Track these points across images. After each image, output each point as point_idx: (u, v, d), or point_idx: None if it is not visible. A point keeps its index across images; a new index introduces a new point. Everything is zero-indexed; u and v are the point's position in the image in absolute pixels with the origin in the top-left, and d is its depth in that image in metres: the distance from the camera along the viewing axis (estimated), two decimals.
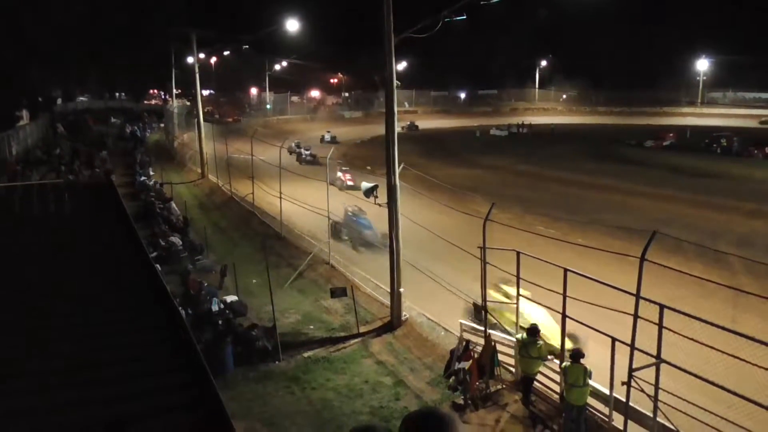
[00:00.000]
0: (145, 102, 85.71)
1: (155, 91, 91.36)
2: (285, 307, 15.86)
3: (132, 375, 5.87)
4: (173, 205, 26.07)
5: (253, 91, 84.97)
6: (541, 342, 10.61)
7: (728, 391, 8.11)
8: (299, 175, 23.53)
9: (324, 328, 14.93)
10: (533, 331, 10.63)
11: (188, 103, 53.48)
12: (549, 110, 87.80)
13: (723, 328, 8.03)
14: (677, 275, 9.80)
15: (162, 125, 58.04)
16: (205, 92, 63.02)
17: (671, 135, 55.19)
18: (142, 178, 32.02)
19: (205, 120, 37.70)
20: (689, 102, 78.20)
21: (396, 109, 14.54)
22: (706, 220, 24.65)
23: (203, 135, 35.69)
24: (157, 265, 11.73)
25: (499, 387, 11.44)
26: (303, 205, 22.10)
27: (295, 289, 17.44)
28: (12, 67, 35.20)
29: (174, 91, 56.10)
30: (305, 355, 13.46)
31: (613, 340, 9.24)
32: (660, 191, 31.18)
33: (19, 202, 13.15)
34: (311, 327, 15.03)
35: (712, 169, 39.48)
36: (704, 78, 78.52)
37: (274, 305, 14.03)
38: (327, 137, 51.66)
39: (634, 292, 8.97)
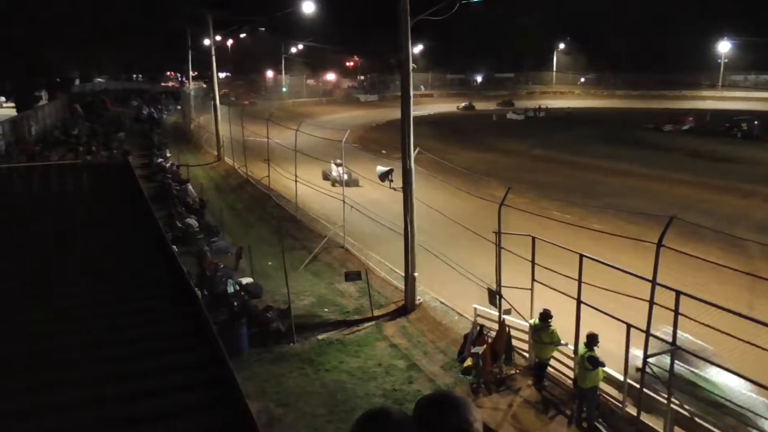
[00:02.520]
0: (162, 84, 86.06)
1: (172, 73, 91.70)
2: (300, 290, 15.96)
3: (144, 353, 5.94)
4: (189, 186, 26.27)
5: (269, 73, 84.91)
6: (552, 327, 10.58)
7: (745, 378, 8.06)
8: (314, 158, 23.51)
9: (338, 311, 15.02)
10: (545, 316, 10.61)
11: (204, 86, 53.55)
12: (566, 93, 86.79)
13: (739, 315, 7.95)
14: (694, 261, 9.68)
15: (179, 107, 58.28)
16: (222, 75, 63.12)
17: (690, 119, 54.32)
18: (159, 159, 32.24)
19: (221, 102, 37.77)
20: (709, 85, 76.80)
21: (412, 92, 14.45)
22: (724, 205, 24.31)
23: (219, 117, 35.79)
24: (174, 246, 11.87)
25: (513, 372, 11.46)
26: (318, 188, 22.14)
27: (310, 272, 17.55)
28: (29, 47, 35.42)
29: (190, 73, 56.21)
30: (319, 337, 13.57)
31: (628, 326, 9.20)
32: (678, 176, 30.77)
33: (38, 181, 13.31)
34: (325, 310, 15.13)
35: (731, 153, 38.84)
36: (725, 60, 77.08)
37: (289, 287, 14.13)
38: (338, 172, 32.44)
39: (650, 277, 8.90)
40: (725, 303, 8.22)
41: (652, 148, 41.85)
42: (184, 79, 78.54)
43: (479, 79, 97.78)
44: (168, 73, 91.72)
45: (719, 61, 77.24)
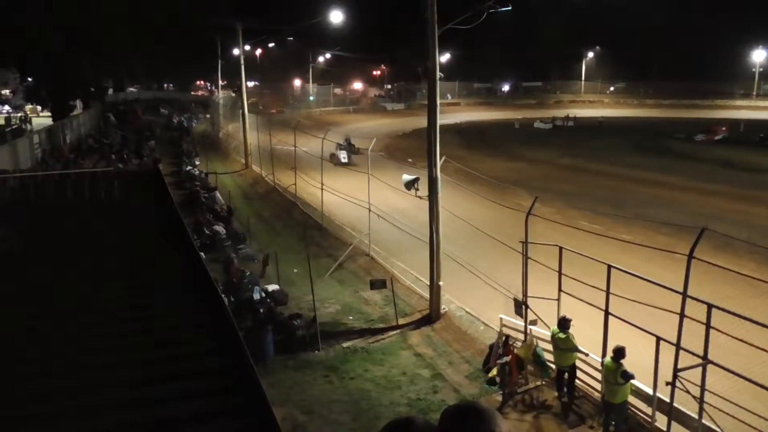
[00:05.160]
0: (192, 93, 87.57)
1: (202, 82, 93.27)
2: (325, 297, 16.03)
3: (172, 357, 6.03)
4: (218, 194, 26.62)
5: (297, 82, 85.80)
6: (568, 333, 10.41)
7: None
8: (341, 166, 23.66)
9: (363, 319, 15.03)
10: (563, 322, 10.47)
11: (233, 94, 54.35)
12: (595, 102, 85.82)
13: None
14: (726, 273, 9.47)
15: (208, 116, 59.18)
16: (250, 84, 63.95)
17: (723, 128, 53.21)
18: (188, 167, 32.75)
19: (249, 111, 38.26)
20: (743, 94, 75.23)
21: (438, 101, 14.46)
22: (758, 216, 23.70)
23: (247, 126, 36.26)
24: (201, 253, 12.03)
25: (539, 383, 11.31)
26: (343, 196, 22.23)
27: (335, 280, 17.61)
28: (64, 56, 36.35)
29: (220, 82, 57.08)
30: (344, 345, 13.59)
31: (658, 339, 9.02)
32: (710, 186, 30.14)
33: (71, 188, 13.63)
34: (350, 318, 15.15)
35: (765, 164, 37.95)
36: (761, 69, 75.41)
37: (315, 295, 14.19)
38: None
39: (681, 290, 8.72)
40: (759, 317, 8.00)
41: (684, 157, 41.11)
42: (213, 88, 79.81)
43: (506, 88, 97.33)
44: (198, 82, 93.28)
45: (753, 69, 75.60)
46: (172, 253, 9.47)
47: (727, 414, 8.39)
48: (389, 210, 19.87)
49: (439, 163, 14.45)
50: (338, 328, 14.50)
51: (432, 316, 14.62)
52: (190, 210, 22.93)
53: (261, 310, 14.30)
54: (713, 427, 8.65)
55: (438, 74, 14.24)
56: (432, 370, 12.34)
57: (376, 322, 14.80)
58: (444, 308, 14.72)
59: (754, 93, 74.87)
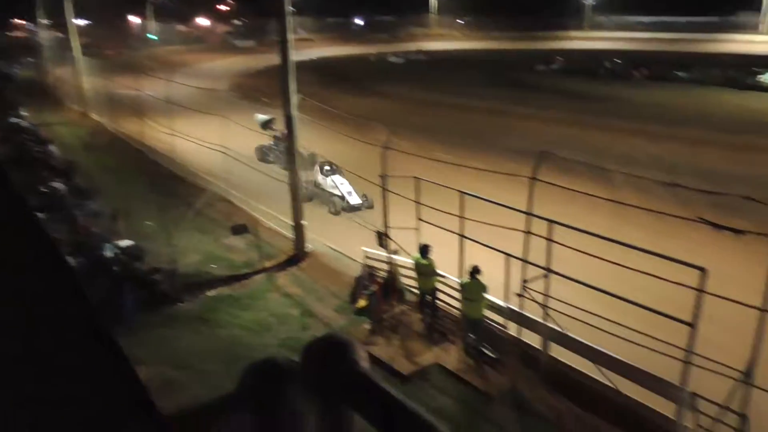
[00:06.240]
0: (8, 34, 77.20)
1: (18, 20, 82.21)
2: (184, 248, 15.37)
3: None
4: (53, 147, 24.11)
5: (135, 20, 78.58)
6: (428, 259, 10.95)
7: (608, 293, 8.83)
8: (193, 110, 22.32)
9: (227, 266, 14.68)
10: (424, 249, 10.97)
11: (62, 35, 48.69)
12: (446, 36, 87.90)
13: (605, 238, 8.63)
14: (570, 193, 10.36)
15: (33, 60, 52.72)
16: (80, 22, 57.52)
17: (560, 59, 57.20)
18: (13, 119, 29.19)
19: (83, 54, 34.58)
20: (576, 26, 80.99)
21: (290, 36, 13.96)
22: (593, 140, 26.11)
23: (81, 69, 32.84)
24: (39, 213, 10.92)
25: (404, 308, 11.85)
26: (197, 141, 21.13)
27: (194, 229, 16.89)
28: None
29: (42, 20, 50.68)
30: (210, 294, 13.24)
31: (507, 255, 9.75)
32: (551, 114, 32.52)
33: None
34: (214, 266, 14.72)
35: (597, 91, 41.61)
36: (592, 2, 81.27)
37: (173, 247, 13.57)
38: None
39: (527, 210, 9.43)
40: (596, 230, 8.85)
41: (527, 88, 43.79)
42: (35, 27, 70.86)
43: (360, 22, 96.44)
44: (14, 20, 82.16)
45: (584, 2, 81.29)
46: None
47: (568, 316, 9.38)
48: (248, 152, 19.24)
49: (295, 102, 14.12)
50: (202, 278, 14.04)
51: (298, 255, 14.63)
52: (21, 167, 20.59)
53: (115, 269, 13.42)
54: (556, 327, 9.66)
55: (289, 8, 13.70)
56: (301, 308, 12.45)
57: (241, 268, 14.52)
58: (309, 247, 14.77)
59: (585, 24, 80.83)
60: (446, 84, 44.88)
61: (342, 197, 17.64)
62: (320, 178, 18.26)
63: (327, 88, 40.47)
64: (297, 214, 14.54)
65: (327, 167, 18.35)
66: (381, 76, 51.13)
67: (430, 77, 49.44)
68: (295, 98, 14.10)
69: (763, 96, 39.31)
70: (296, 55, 14.99)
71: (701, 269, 7.30)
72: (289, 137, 14.28)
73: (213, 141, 19.32)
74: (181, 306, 12.73)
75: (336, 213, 17.37)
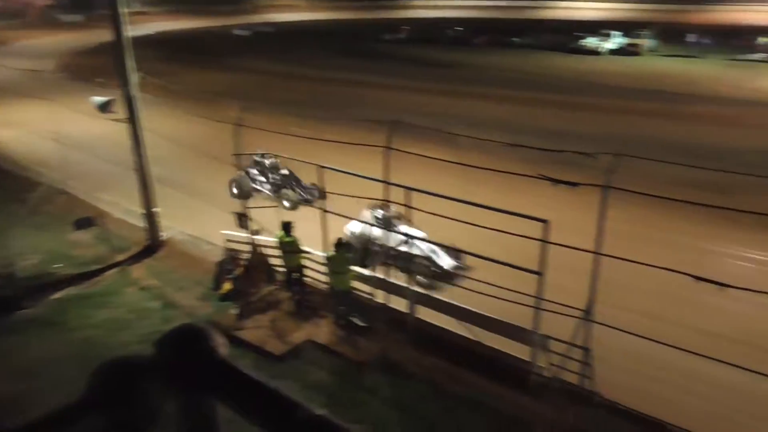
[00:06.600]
0: None
1: None
2: (22, 249, 13.87)
3: None
4: None
5: None
6: (292, 236, 10.86)
7: (464, 252, 9.37)
8: (16, 94, 19.98)
9: (74, 264, 13.46)
10: (286, 226, 10.86)
11: None
12: (292, 6, 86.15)
13: (456, 200, 9.05)
14: (426, 160, 10.73)
15: None
16: None
17: (405, 28, 58.55)
18: None
19: None
20: None
21: (123, 10, 12.87)
22: (442, 105, 27.22)
23: None
24: None
25: (272, 288, 11.69)
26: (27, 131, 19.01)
27: (32, 227, 15.30)
28: None
29: None
30: (56, 296, 12.11)
31: (371, 225, 9.94)
32: (401, 83, 33.37)
33: None
34: (59, 265, 13.46)
35: (443, 58, 43.33)
36: None
37: (7, 249, 12.20)
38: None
39: (384, 179, 9.64)
40: (452, 193, 9.24)
41: (377, 57, 44.45)
42: None
43: None
44: None
45: None
46: None
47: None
48: (87, 139, 17.67)
49: (135, 81, 13.12)
50: (46, 280, 12.79)
51: (153, 245, 13.81)
52: None
53: None
54: (419, 290, 10.09)
55: None
56: (162, 300, 11.80)
57: (90, 264, 13.39)
58: (164, 235, 14.00)
59: None
60: (296, 56, 44.28)
61: (427, 258, 11.72)
62: (377, 231, 11.55)
63: (171, 64, 38.18)
64: (148, 202, 13.67)
65: (381, 211, 11.95)
66: (228, 50, 49.10)
67: (280, 49, 48.44)
68: (134, 77, 13.11)
69: (587, 58, 43.33)
70: (132, 30, 13.90)
71: (544, 221, 7.96)
72: (131, 120, 13.27)
73: (44, 128, 17.51)
74: (26, 312, 11.53)
75: (429, 286, 11.39)
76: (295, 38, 56.83)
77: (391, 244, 10.88)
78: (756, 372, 6.94)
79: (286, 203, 14.82)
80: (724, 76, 35.59)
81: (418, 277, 11.29)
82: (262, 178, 15.76)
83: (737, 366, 7.02)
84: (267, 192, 15.47)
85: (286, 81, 34.77)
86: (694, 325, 10.12)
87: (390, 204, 10.72)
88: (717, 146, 20.90)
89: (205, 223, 13.90)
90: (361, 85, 32.90)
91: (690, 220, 13.46)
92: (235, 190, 13.24)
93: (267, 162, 15.72)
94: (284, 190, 15.23)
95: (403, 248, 10.65)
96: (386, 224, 11.32)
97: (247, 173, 14.85)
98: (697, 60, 41.35)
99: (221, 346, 2.33)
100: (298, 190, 14.87)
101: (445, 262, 11.63)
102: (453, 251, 11.21)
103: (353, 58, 43.85)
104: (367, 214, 12.05)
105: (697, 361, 7.38)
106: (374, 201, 11.52)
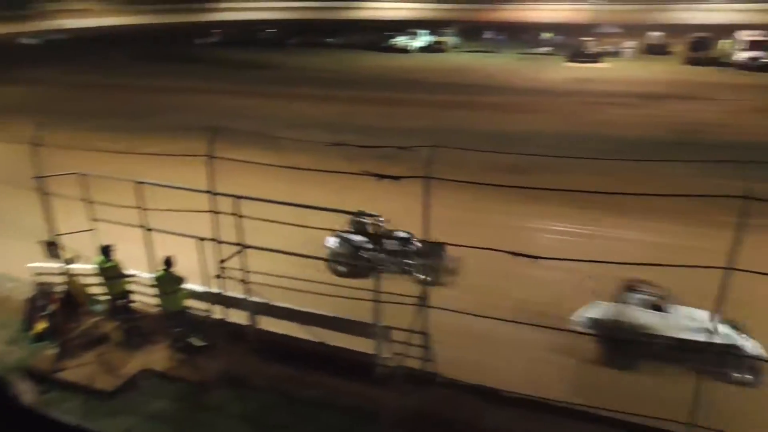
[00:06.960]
0: None
1: None
2: None
3: None
4: None
5: None
6: (113, 260, 10.07)
7: (299, 255, 9.33)
8: None
9: None
10: (105, 250, 10.04)
11: None
12: (84, 11, 78.98)
13: (280, 203, 8.96)
14: (249, 165, 10.43)
15: None
16: None
17: (217, 31, 56.78)
18: None
19: None
20: None
21: None
22: (261, 108, 26.89)
23: None
24: None
25: (96, 320, 10.69)
26: None
27: None
28: None
29: None
30: None
31: (199, 239, 9.49)
32: (219, 86, 32.35)
33: None
34: None
35: (257, 61, 42.84)
36: None
37: None
38: None
39: (209, 189, 9.25)
40: (280, 197, 9.11)
41: (191, 62, 42.62)
42: None
43: None
44: None
45: None
46: None
47: (270, 285, 9.65)
48: None
49: None
50: None
51: None
52: None
53: None
54: (260, 300, 9.88)
55: None
56: None
57: None
58: None
59: None
60: (100, 64, 40.93)
61: (737, 348, 8.97)
62: (646, 316, 9.46)
63: None
64: None
65: (638, 294, 9.80)
66: (17, 60, 43.78)
67: (80, 58, 44.44)
68: None
69: (398, 56, 45.50)
70: None
71: (356, 214, 8.18)
72: None
73: None
74: None
75: (747, 383, 9.02)
76: (93, 45, 52.46)
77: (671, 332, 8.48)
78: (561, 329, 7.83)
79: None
80: (517, 68, 39.49)
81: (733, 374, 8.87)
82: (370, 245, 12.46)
83: (548, 327, 7.87)
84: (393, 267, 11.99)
85: (90, 91, 31.94)
86: (516, 296, 11.17)
87: (646, 282, 8.91)
88: (516, 132, 23.21)
89: (3, 258, 12.27)
90: (177, 91, 31.34)
91: (503, 201, 14.78)
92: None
93: (368, 223, 12.37)
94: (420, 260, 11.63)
95: (695, 336, 8.11)
96: (653, 306, 9.40)
97: (348, 241, 12.53)
98: (494, 55, 45.37)
99: (27, 393, 2.10)
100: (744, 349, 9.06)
101: (755, 348, 9.06)
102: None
103: (164, 64, 41.60)
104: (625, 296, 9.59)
105: (518, 328, 8.15)
106: (629, 280, 9.62)
